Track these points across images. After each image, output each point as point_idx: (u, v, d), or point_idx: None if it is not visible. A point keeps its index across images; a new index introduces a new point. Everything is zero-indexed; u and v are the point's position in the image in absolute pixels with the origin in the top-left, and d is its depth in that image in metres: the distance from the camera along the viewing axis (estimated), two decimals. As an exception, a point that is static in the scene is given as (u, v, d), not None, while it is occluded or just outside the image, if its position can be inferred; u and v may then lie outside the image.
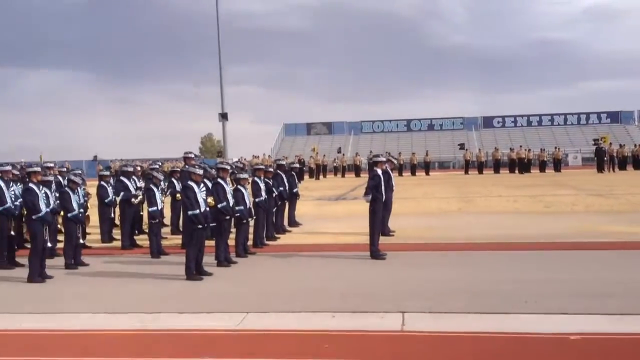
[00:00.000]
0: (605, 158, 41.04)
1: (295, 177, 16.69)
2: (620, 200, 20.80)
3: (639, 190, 24.33)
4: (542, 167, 43.25)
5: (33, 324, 7.82)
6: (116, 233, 14.58)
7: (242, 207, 11.77)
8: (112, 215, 14.78)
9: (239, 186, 11.98)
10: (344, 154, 51.93)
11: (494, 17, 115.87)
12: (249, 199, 12.23)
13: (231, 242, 11.77)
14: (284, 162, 16.46)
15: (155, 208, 12.40)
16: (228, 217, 11.34)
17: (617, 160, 42.17)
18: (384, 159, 12.93)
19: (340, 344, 6.75)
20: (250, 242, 12.74)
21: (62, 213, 11.58)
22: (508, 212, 18.68)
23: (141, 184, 14.68)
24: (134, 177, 14.69)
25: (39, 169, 11.16)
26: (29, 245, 11.08)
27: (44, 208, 10.47)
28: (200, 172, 10.74)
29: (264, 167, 14.34)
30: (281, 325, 7.44)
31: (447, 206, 20.86)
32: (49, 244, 10.78)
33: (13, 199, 11.79)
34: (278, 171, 15.35)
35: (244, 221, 12.02)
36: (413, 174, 44.81)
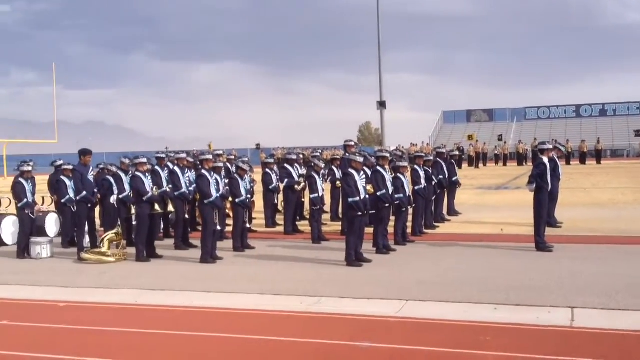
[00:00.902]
0: None
1: (455, 165, 16.36)
2: None
3: None
4: None
5: (204, 301, 8.34)
6: (279, 218, 15.15)
7: (401, 195, 11.75)
8: (276, 201, 15.37)
9: (398, 174, 11.95)
10: (505, 142, 50.09)
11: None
12: (408, 187, 12.18)
13: (390, 229, 11.79)
14: (443, 150, 16.19)
15: (316, 195, 12.71)
16: (387, 205, 11.36)
17: None
18: (551, 147, 12.29)
19: (502, 337, 6.52)
20: (409, 230, 12.69)
21: (230, 198, 12.22)
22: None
23: (303, 171, 15.12)
24: (296, 164, 15.15)
25: (210, 156, 11.86)
26: (200, 228, 11.82)
27: (214, 193, 11.11)
28: (361, 159, 10.84)
29: (423, 155, 14.19)
30: (441, 315, 7.33)
31: (621, 197, 19.44)
32: (218, 227, 11.42)
33: (188, 184, 12.65)
34: (438, 159, 15.13)
35: (403, 209, 11.99)
36: (582, 162, 42.24)
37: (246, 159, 14.12)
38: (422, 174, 13.21)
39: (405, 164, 12.47)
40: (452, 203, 16.29)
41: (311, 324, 7.28)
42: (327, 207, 15.02)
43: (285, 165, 14.98)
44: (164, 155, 13.48)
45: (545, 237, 11.19)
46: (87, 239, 12.31)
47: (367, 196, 10.64)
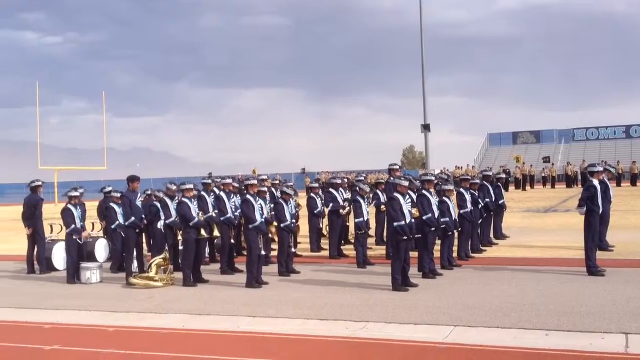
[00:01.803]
0: None
1: (502, 188, 16.14)
2: None
3: None
4: None
5: (250, 326, 8.36)
6: (324, 243, 15.13)
7: (447, 219, 11.64)
8: (320, 225, 15.38)
9: (444, 197, 11.85)
10: (553, 164, 49.20)
11: None
12: (454, 211, 12.05)
13: (436, 253, 11.66)
14: (490, 173, 16.00)
15: (361, 219, 12.67)
16: (433, 229, 11.25)
17: None
18: (601, 168, 12.02)
19: (555, 364, 6.35)
20: (455, 254, 12.52)
21: (275, 223, 12.27)
22: None
23: (348, 195, 15.11)
24: (341, 188, 15.16)
25: (255, 181, 11.96)
26: (245, 253, 11.89)
27: (258, 218, 11.18)
28: (406, 183, 10.78)
29: (469, 178, 14.05)
30: (490, 341, 7.18)
31: (675, 219, 18.82)
32: (262, 252, 11.47)
33: (233, 209, 12.77)
34: (484, 182, 14.95)
35: (449, 233, 11.86)
36: (633, 184, 41.11)
37: (290, 184, 14.19)
38: (467, 197, 13.07)
39: (451, 187, 12.36)
40: (499, 226, 16.04)
41: (357, 349, 7.22)
42: (371, 231, 14.95)
43: (330, 189, 15.00)
44: (209, 181, 13.67)
45: (597, 261, 10.91)
46: (135, 263, 12.51)
47: (413, 220, 10.56)
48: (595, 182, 11.17)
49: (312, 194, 15.07)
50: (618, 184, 38.42)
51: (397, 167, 15.43)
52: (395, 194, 10.58)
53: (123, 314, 9.43)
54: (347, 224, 15.18)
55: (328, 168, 56.67)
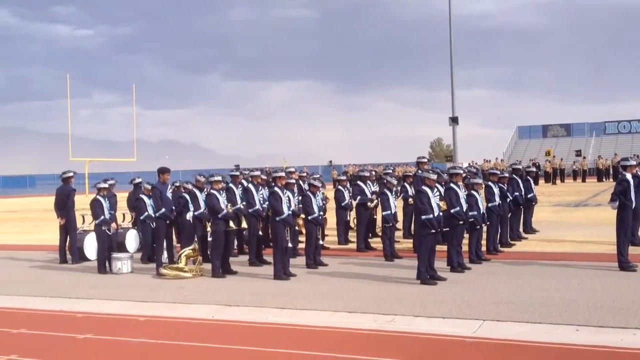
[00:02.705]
0: None
1: (532, 181, 15.97)
2: None
3: None
4: None
5: (278, 318, 8.41)
6: (352, 235, 15.14)
7: (475, 213, 11.56)
8: (348, 218, 15.38)
9: (472, 191, 11.77)
10: (584, 157, 48.52)
11: None
12: (482, 204, 11.97)
13: (464, 247, 11.60)
14: (519, 166, 15.84)
15: (389, 212, 12.64)
16: (461, 222, 11.19)
17: None
18: (634, 162, 11.81)
19: (584, 359, 6.30)
20: (483, 248, 12.44)
21: (303, 215, 12.30)
22: None
23: (375, 188, 15.08)
24: (368, 181, 15.14)
25: (282, 173, 12.01)
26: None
27: (286, 210, 11.22)
28: (435, 177, 10.73)
29: (498, 171, 13.93)
30: (519, 336, 7.13)
31: None
32: (289, 244, 11.51)
33: (261, 201, 12.84)
34: (513, 175, 14.81)
35: (477, 227, 11.78)
36: (666, 178, 40.35)
37: (318, 176, 14.20)
38: (496, 190, 12.97)
39: (479, 180, 12.28)
40: (529, 220, 15.89)
41: (385, 342, 7.22)
42: (399, 224, 14.91)
43: (358, 182, 14.98)
44: (237, 173, 13.74)
45: (629, 256, 10.76)
46: (164, 254, 12.65)
47: (441, 213, 10.51)
48: (628, 176, 11.00)
49: (339, 187, 15.07)
50: (651, 178, 37.74)
51: (425, 160, 15.36)
52: (424, 187, 10.53)
53: (154, 304, 9.56)
54: (375, 217, 15.16)
55: (355, 161, 56.66)
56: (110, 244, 12.82)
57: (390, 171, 15.81)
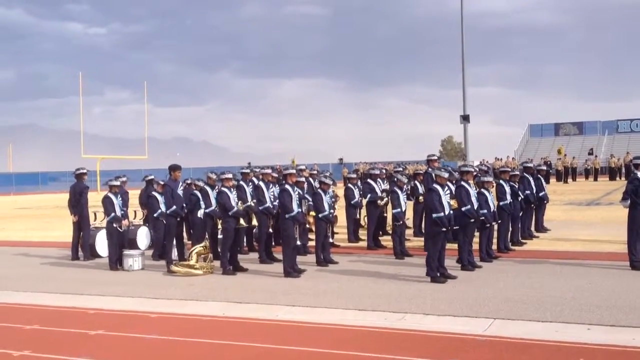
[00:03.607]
0: None
1: (543, 180, 15.90)
2: None
3: None
4: None
5: (288, 315, 8.43)
6: (362, 233, 15.14)
7: (486, 211, 11.53)
8: (358, 216, 15.38)
9: (482, 189, 11.74)
10: (596, 156, 48.24)
11: None
12: (493, 203, 11.94)
13: (475, 245, 11.57)
14: (531, 165, 15.78)
15: (399, 210, 12.63)
16: (472, 221, 11.17)
17: None
18: (647, 161, 11.73)
19: (596, 358, 6.27)
20: (494, 247, 12.41)
21: (313, 213, 12.31)
22: None
23: (386, 186, 15.08)
24: (379, 179, 15.13)
25: (294, 171, 12.03)
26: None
27: (295, 208, 11.24)
28: (446, 175, 10.71)
29: (509, 169, 13.88)
30: (530, 334, 7.11)
31: None
32: (298, 242, 11.51)
33: (272, 199, 12.86)
34: (525, 174, 14.76)
35: (488, 225, 11.75)
36: (679, 177, 40.05)
37: (329, 173, 14.22)
38: (507, 189, 12.93)
39: (490, 179, 12.24)
40: (540, 219, 15.82)
41: (395, 340, 7.22)
42: (409, 222, 14.89)
43: (369, 180, 14.98)
44: (248, 171, 13.78)
45: (641, 256, 10.70)
46: (175, 251, 12.70)
47: (451, 212, 10.50)
48: (641, 174, 10.92)
49: (349, 185, 15.07)
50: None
51: (436, 157, 15.34)
52: (435, 185, 10.52)
53: (165, 300, 9.61)
54: (385, 215, 15.15)
55: (366, 158, 56.58)
56: (122, 241, 12.89)
57: (401, 169, 15.79)
